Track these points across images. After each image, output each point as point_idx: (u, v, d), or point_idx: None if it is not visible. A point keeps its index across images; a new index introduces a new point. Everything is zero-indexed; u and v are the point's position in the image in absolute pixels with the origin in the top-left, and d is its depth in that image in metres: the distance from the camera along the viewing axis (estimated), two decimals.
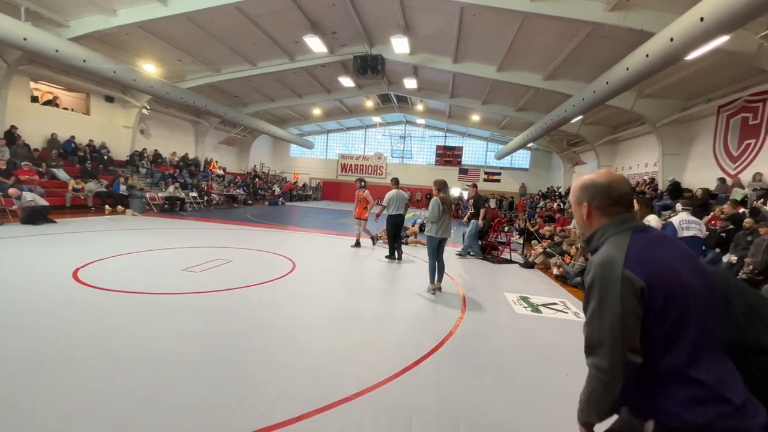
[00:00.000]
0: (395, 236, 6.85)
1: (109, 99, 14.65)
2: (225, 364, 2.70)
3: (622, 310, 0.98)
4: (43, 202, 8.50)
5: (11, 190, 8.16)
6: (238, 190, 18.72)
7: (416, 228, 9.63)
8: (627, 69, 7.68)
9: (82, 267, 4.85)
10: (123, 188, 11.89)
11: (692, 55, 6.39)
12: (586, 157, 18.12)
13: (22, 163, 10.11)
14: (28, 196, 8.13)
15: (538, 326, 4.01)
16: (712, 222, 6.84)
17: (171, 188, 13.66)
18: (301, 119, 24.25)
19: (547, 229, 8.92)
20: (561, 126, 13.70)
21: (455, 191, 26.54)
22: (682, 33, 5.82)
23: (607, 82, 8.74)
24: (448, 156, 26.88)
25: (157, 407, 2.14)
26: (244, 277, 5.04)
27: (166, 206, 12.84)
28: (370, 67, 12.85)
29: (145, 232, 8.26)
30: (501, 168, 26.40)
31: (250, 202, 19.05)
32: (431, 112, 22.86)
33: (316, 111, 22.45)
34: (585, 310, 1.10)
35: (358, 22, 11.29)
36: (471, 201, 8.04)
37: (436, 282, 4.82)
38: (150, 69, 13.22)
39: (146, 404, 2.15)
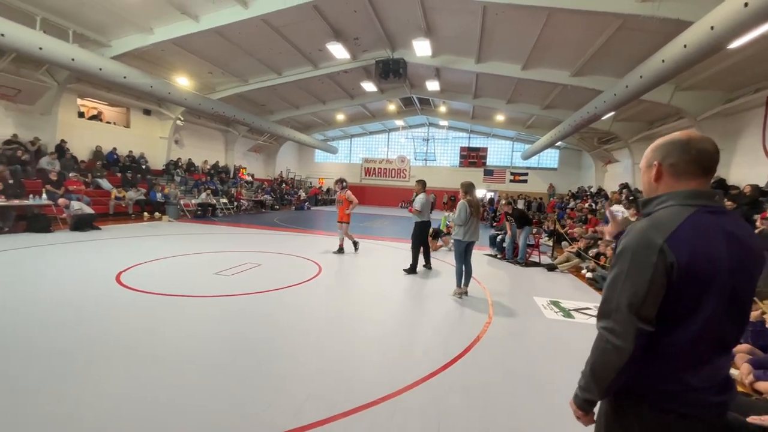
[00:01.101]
0: (423, 245, 6.24)
1: (147, 112, 15.53)
2: (256, 364, 2.78)
3: (651, 278, 0.95)
4: (89, 210, 9.11)
5: (61, 200, 8.81)
6: (265, 196, 19.27)
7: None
8: (663, 61, 7.29)
9: (125, 270, 5.16)
10: (159, 196, 12.54)
11: (736, 44, 5.98)
12: (620, 154, 17.32)
13: (71, 174, 10.88)
14: (76, 205, 8.74)
15: (571, 331, 3.86)
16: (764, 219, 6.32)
17: (203, 195, 14.26)
18: (325, 125, 24.69)
19: (577, 231, 8.58)
20: (591, 123, 13.18)
21: (480, 193, 26.15)
22: (724, 20, 5.47)
23: (641, 76, 8.33)
24: (473, 157, 26.49)
25: (191, 406, 2.23)
26: (273, 280, 5.18)
27: (198, 212, 13.41)
28: (392, 71, 12.92)
29: (180, 237, 8.67)
30: (528, 168, 25.72)
31: (277, 207, 19.56)
32: (454, 114, 22.64)
33: (340, 116, 22.80)
34: (609, 273, 1.07)
35: (380, 28, 11.39)
36: (511, 216, 7.71)
37: (463, 286, 4.75)
38: (183, 82, 13.91)
39: (180, 402, 2.25)
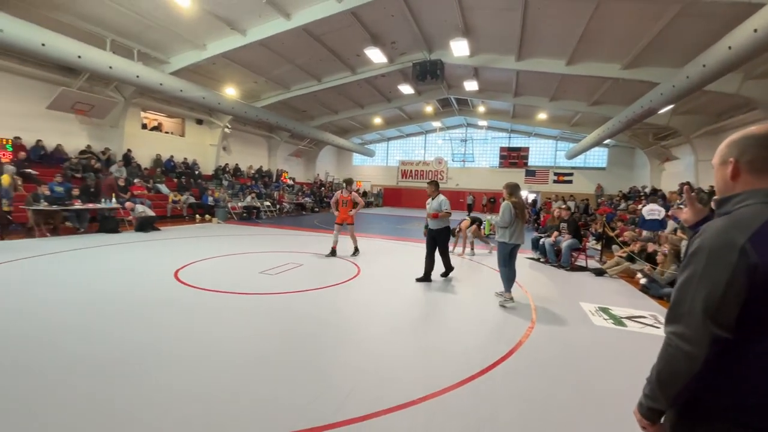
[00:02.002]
0: (445, 251, 5.66)
1: (199, 122, 16.73)
2: (301, 359, 2.91)
3: (730, 280, 0.88)
4: (151, 213, 9.97)
5: (128, 204, 9.74)
6: (306, 199, 19.95)
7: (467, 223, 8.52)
8: (729, 48, 6.64)
9: (181, 268, 5.60)
10: (210, 199, 13.43)
11: None
12: (680, 151, 15.92)
13: (135, 181, 12.00)
14: (140, 208, 9.61)
15: (622, 341, 3.62)
16: None
17: (248, 198, 15.06)
18: (363, 129, 25.10)
19: (628, 234, 8.01)
20: (646, 118, 12.26)
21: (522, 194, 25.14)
22: None
23: (704, 65, 7.65)
24: (513, 157, 25.63)
25: (240, 394, 2.38)
26: (314, 280, 5.36)
27: (244, 215, 14.18)
28: (429, 73, 12.88)
29: (228, 238, 9.23)
30: (573, 168, 24.41)
31: (317, 209, 20.16)
32: (493, 113, 22.07)
33: (377, 120, 23.07)
34: (680, 274, 1.00)
35: (417, 30, 11.41)
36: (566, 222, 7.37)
37: (508, 292, 4.55)
38: (231, 92, 14.82)
39: (230, 389, 2.41)
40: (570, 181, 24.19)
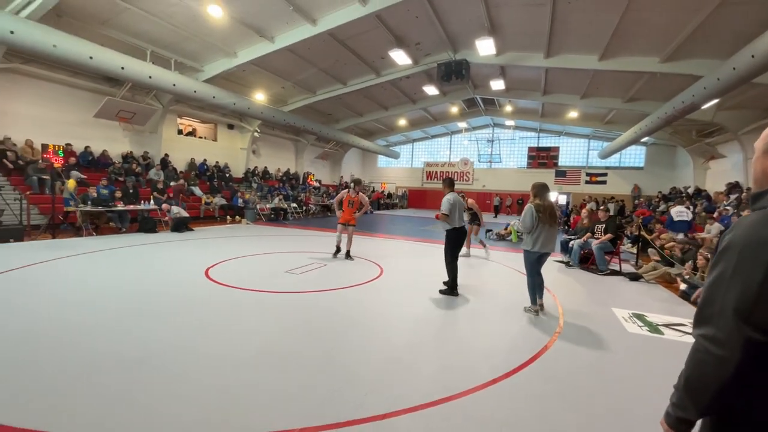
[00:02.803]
0: (455, 258, 4.93)
1: (230, 126, 17.42)
2: (324, 355, 2.96)
3: (764, 278, 0.81)
4: (185, 214, 10.48)
5: (164, 206, 10.29)
6: (331, 201, 20.25)
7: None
8: None
9: (212, 266, 5.85)
10: (240, 201, 13.93)
11: None
12: (726, 149, 14.85)
13: (171, 183, 12.65)
14: (175, 209, 10.13)
15: (659, 349, 3.41)
16: None
17: (276, 200, 15.49)
18: (388, 131, 25.19)
19: (666, 237, 7.55)
20: (687, 114, 11.55)
21: (551, 197, 24.30)
22: None
23: (753, 56, 7.12)
24: (542, 157, 24.85)
25: (261, 391, 2.45)
26: (338, 279, 5.44)
27: (272, 216, 14.59)
28: (454, 73, 12.74)
29: (256, 238, 9.53)
30: (606, 168, 23.34)
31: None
32: (521, 113, 21.52)
33: (402, 122, 23.10)
34: (710, 272, 0.93)
35: (441, 30, 11.34)
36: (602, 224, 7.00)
37: (537, 300, 4.24)
38: (260, 97, 15.33)
39: (249, 388, 2.49)
40: (604, 182, 23.14)
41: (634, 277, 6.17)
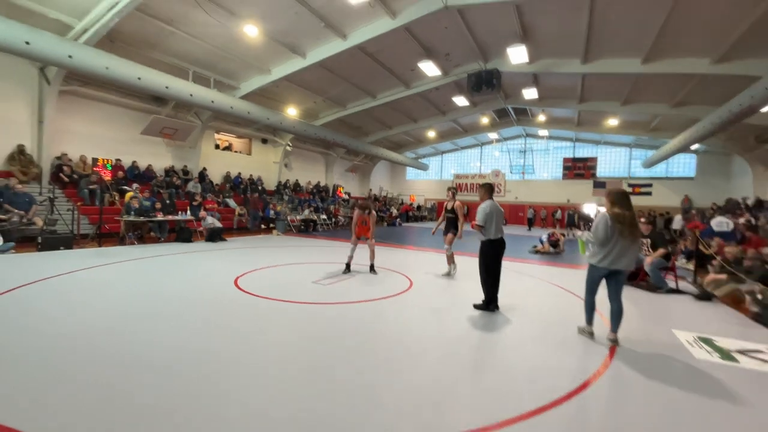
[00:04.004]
0: (496, 275, 4.54)
1: (264, 141, 18.05)
2: (352, 372, 2.77)
3: None
4: (219, 224, 10.80)
5: (201, 214, 10.68)
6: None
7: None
8: None
9: (242, 276, 5.88)
10: (272, 213, 14.24)
11: None
12: None
13: (208, 195, 13.17)
14: (209, 220, 10.46)
15: (737, 380, 2.91)
16: None
17: (306, 212, 15.71)
18: (417, 143, 25.15)
19: (731, 250, 6.76)
20: (745, 118, 10.59)
21: (589, 208, 23.12)
22: None
23: None
24: (579, 168, 23.71)
25: (278, 408, 2.29)
26: (365, 291, 5.27)
27: (302, 227, 14.78)
28: (485, 83, 12.51)
29: (287, 249, 9.61)
30: (651, 178, 21.86)
31: None
32: (555, 122, 20.76)
33: (431, 133, 22.98)
34: None
35: (471, 40, 11.20)
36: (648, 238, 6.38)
37: (588, 325, 3.73)
38: (292, 112, 15.80)
39: (275, 398, 2.34)
40: (648, 193, 21.62)
41: (704, 296, 5.50)
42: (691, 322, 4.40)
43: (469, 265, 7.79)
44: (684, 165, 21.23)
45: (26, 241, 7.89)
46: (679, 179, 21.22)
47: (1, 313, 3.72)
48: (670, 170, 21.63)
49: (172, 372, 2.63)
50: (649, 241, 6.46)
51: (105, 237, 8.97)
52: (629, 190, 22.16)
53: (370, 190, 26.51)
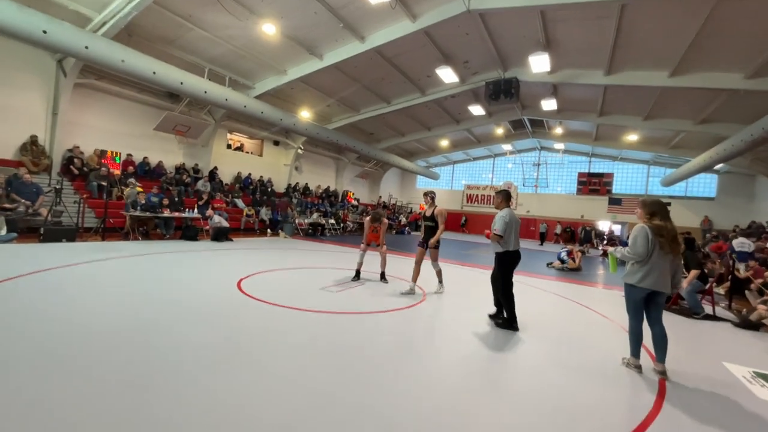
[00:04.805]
0: (509, 286, 4.18)
1: (276, 143, 17.93)
2: (365, 388, 2.41)
3: None
4: (225, 224, 10.57)
5: (208, 212, 10.46)
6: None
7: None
8: None
9: (245, 278, 5.56)
10: (280, 215, 13.98)
11: None
12: None
13: (217, 194, 12.99)
14: (216, 219, 10.23)
15: None
16: None
17: (315, 216, 15.45)
18: (429, 151, 24.88)
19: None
20: None
21: (604, 225, 22.50)
22: None
23: None
24: (594, 184, 23.15)
25: (286, 421, 1.94)
26: (375, 301, 4.92)
27: (309, 231, 14.50)
28: (503, 92, 12.21)
29: (293, 251, 9.30)
30: (670, 197, 21.17)
31: None
32: (572, 135, 20.33)
33: (444, 142, 22.70)
34: None
35: (492, 47, 10.94)
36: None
37: (635, 357, 3.24)
38: (305, 114, 15.67)
39: (274, 413, 1.99)
40: None
41: (748, 325, 5.00)
42: (742, 355, 3.93)
43: (474, 275, 7.41)
44: (704, 185, 20.56)
45: (30, 231, 7.73)
46: (698, 199, 20.54)
47: None
48: (690, 189, 20.97)
49: (162, 378, 2.30)
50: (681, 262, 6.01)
51: (109, 231, 8.77)
52: None
53: (380, 197, 26.22)
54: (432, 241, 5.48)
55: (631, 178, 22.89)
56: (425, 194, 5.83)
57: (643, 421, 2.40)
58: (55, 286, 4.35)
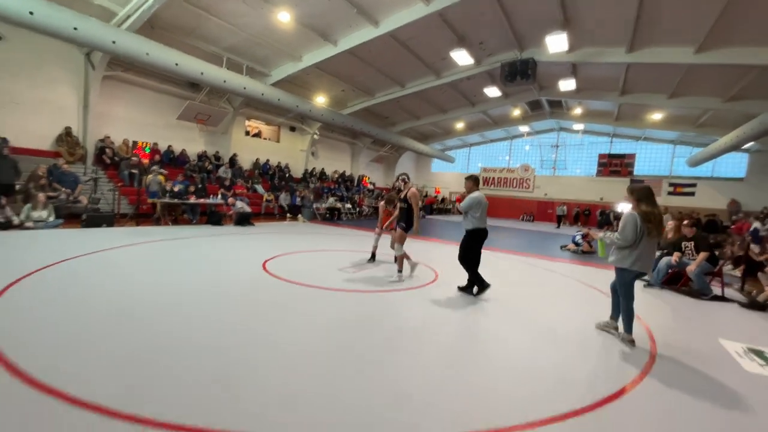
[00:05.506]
0: (477, 262, 4.81)
1: (292, 129, 18.27)
2: (379, 361, 2.76)
3: None
4: (248, 209, 11.07)
5: (230, 200, 10.97)
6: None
7: None
8: None
9: (269, 260, 6.00)
10: (298, 200, 14.46)
11: None
12: None
13: (238, 180, 13.51)
14: (239, 205, 10.73)
15: None
16: None
17: (331, 200, 15.85)
18: (444, 134, 24.71)
19: None
20: None
21: (624, 207, 21.99)
22: None
23: None
24: (615, 165, 22.55)
25: (306, 393, 2.31)
26: (390, 281, 5.24)
27: (327, 215, 14.94)
28: (519, 73, 12.03)
29: (312, 236, 9.74)
30: (695, 178, 20.51)
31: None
32: (592, 115, 19.78)
33: (459, 125, 22.50)
34: None
35: (508, 27, 10.75)
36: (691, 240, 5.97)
37: (628, 333, 3.49)
38: (320, 100, 15.86)
39: (295, 388, 2.36)
40: (691, 193, 20.34)
41: (755, 306, 5.10)
42: (740, 332, 4.08)
43: (485, 257, 7.63)
44: (733, 164, 19.74)
45: (72, 217, 8.40)
46: (726, 180, 19.78)
47: (52, 283, 3.97)
48: (716, 170, 20.20)
49: (208, 348, 2.72)
50: (692, 243, 6.06)
51: (142, 217, 9.40)
52: (670, 189, 20.94)
53: (396, 179, 26.33)
54: (415, 226, 5.34)
55: (655, 158, 22.17)
56: (398, 177, 5.85)
57: (632, 381, 2.66)
58: (112, 264, 4.90)
